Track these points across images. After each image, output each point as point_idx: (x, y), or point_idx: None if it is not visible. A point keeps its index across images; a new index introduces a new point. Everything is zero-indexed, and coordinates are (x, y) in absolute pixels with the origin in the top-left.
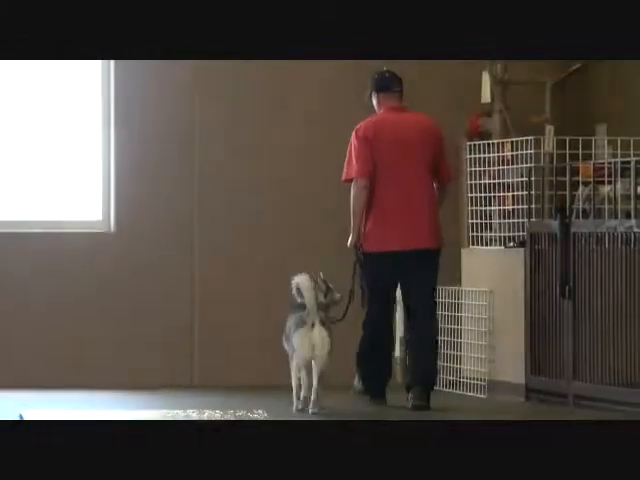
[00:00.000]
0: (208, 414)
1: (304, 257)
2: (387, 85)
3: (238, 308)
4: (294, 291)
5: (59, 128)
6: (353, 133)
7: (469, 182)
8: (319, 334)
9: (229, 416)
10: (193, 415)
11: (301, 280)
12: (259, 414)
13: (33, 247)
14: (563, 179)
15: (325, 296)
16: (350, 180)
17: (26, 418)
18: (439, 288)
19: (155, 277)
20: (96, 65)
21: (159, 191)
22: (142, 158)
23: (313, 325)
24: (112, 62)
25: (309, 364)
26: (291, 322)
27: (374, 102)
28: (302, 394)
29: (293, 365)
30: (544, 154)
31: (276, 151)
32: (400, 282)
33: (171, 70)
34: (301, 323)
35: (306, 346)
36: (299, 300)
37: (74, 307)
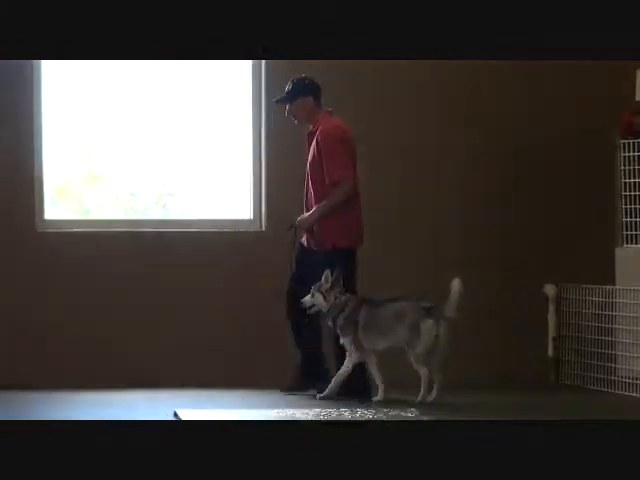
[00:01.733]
0: (360, 413)
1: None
2: (320, 92)
3: None
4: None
5: (210, 127)
6: (328, 134)
7: (623, 180)
8: (443, 327)
9: (381, 415)
10: (345, 414)
11: (458, 282)
12: (411, 412)
13: (185, 246)
14: None
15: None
16: (338, 182)
17: (181, 417)
18: (593, 287)
19: None
20: (246, 65)
21: None
22: (293, 156)
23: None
24: (263, 62)
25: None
26: (407, 316)
27: (303, 106)
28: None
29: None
30: None
31: (430, 151)
32: None
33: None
34: (426, 315)
35: (433, 337)
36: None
37: (226, 305)
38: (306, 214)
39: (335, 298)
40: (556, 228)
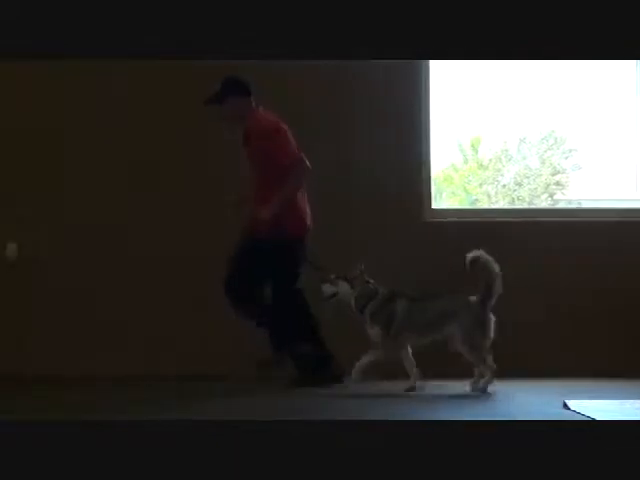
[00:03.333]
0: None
1: None
2: (250, 90)
3: None
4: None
5: (596, 121)
6: (260, 131)
7: None
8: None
9: None
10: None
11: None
12: None
13: (572, 236)
14: None
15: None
16: (292, 164)
17: (571, 408)
18: None
19: None
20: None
21: None
22: None
23: None
24: None
25: None
26: (463, 312)
27: (237, 104)
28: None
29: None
30: None
31: None
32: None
33: None
34: (484, 309)
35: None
36: None
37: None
38: (266, 206)
39: (362, 286)
40: None
